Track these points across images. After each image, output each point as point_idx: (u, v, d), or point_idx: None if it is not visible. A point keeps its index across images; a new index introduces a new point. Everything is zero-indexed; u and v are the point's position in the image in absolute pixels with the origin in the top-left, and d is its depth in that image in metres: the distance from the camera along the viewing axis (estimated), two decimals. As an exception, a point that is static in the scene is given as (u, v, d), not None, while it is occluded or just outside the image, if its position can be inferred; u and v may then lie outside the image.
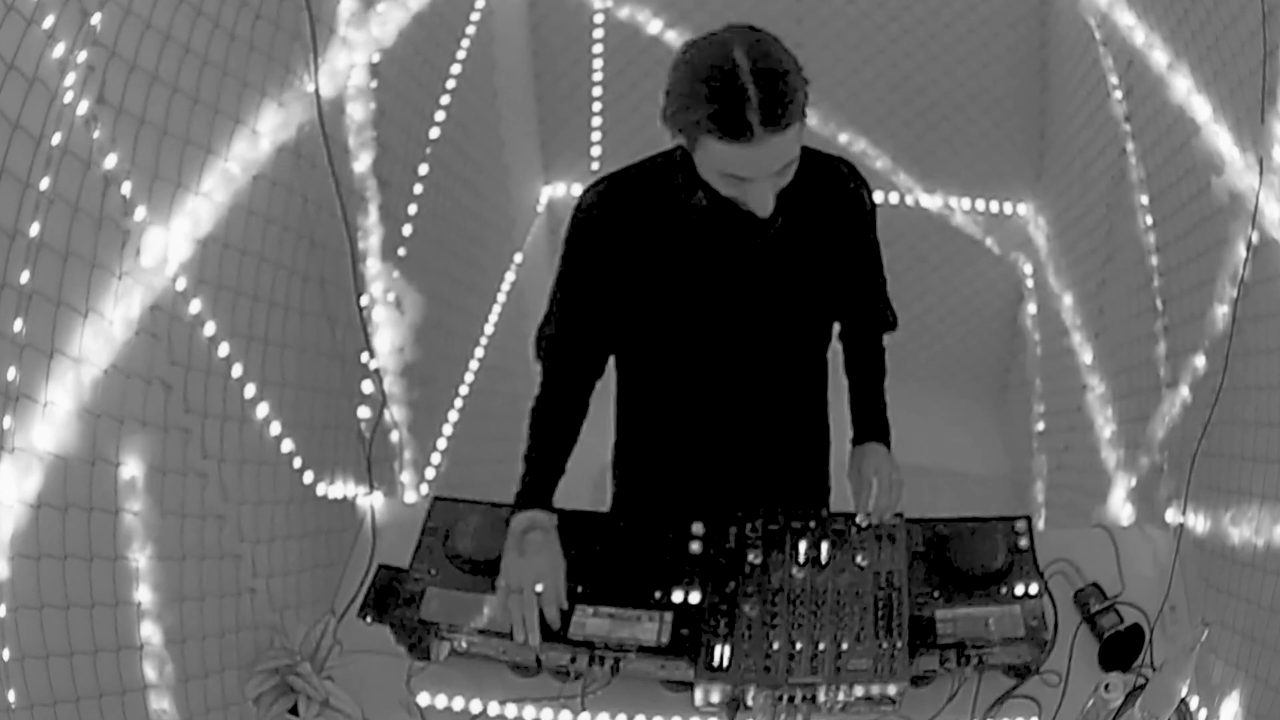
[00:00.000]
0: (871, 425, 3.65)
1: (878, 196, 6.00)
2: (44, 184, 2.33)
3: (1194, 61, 3.76)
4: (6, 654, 2.22)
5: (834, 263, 3.43)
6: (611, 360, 3.78)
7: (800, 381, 3.69)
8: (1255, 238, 3.26)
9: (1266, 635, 3.07)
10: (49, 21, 2.29)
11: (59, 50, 2.35)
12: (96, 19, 2.49)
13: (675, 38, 6.14)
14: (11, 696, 2.22)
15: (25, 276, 2.29)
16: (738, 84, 2.73)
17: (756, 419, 3.61)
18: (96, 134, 2.55)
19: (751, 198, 2.99)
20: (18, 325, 2.27)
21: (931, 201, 6.60)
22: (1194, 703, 3.45)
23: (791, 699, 3.39)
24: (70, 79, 2.41)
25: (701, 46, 2.87)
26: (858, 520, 3.59)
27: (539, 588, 3.35)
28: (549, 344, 3.58)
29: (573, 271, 3.45)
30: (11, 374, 2.25)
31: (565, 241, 3.47)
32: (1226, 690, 3.33)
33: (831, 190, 3.34)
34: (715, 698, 3.42)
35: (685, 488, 3.74)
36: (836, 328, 3.82)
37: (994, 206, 6.70)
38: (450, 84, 5.10)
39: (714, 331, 3.49)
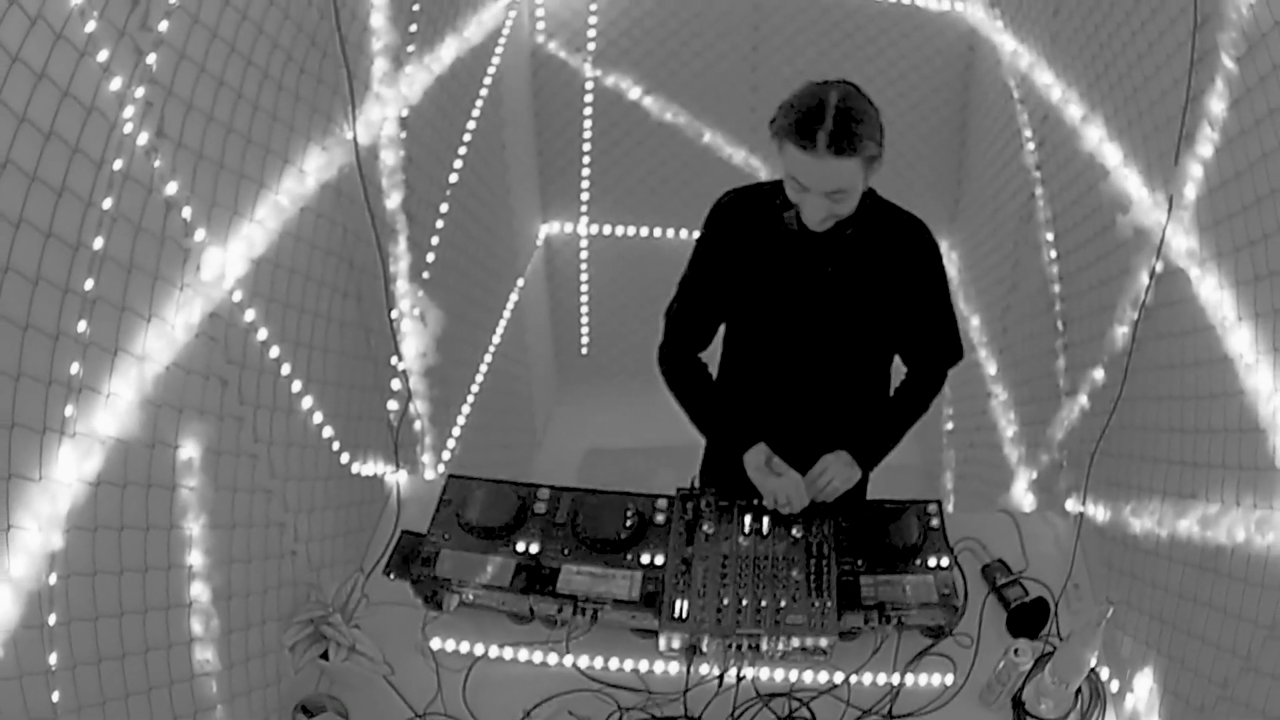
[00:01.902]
0: (860, 437, 3.48)
1: None
2: (106, 204, 2.17)
3: (1109, 114, 3.62)
4: (53, 619, 2.02)
5: (891, 302, 3.30)
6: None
7: (853, 386, 3.54)
8: (1160, 267, 3.14)
9: (1177, 618, 2.91)
10: (103, 55, 2.11)
11: (116, 84, 2.17)
12: (152, 59, 2.30)
13: (651, 103, 6.08)
14: (53, 659, 2.01)
15: (89, 284, 2.12)
16: (821, 110, 2.80)
17: (811, 409, 3.49)
18: (157, 163, 2.38)
19: (806, 207, 2.97)
20: (81, 326, 2.09)
21: None
22: (1105, 673, 3.29)
23: (739, 646, 3.23)
24: (129, 112, 2.23)
25: (814, 83, 2.94)
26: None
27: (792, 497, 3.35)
28: (666, 340, 3.53)
29: (698, 257, 3.40)
30: (74, 369, 2.07)
31: (700, 235, 3.41)
32: (1139, 666, 3.13)
33: (901, 240, 3.25)
34: (676, 644, 3.25)
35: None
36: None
37: None
38: (466, 137, 4.97)
39: (783, 331, 3.42)
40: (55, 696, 2.00)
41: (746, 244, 3.26)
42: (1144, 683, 3.04)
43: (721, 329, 3.64)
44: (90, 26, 2.03)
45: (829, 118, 2.77)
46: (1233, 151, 2.59)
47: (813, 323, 3.33)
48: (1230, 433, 2.58)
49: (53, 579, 2.00)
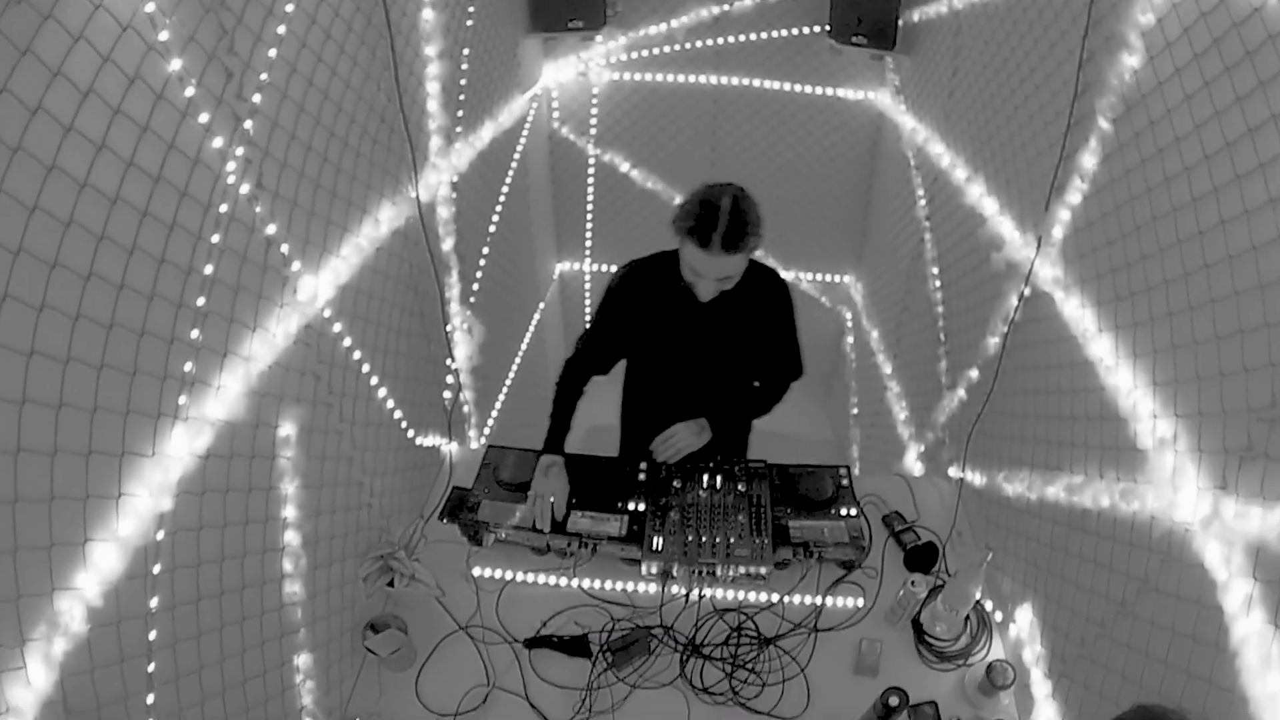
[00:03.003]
0: (716, 411, 3.26)
1: None
2: (215, 238, 1.99)
3: (989, 173, 3.39)
4: (157, 568, 1.81)
5: (752, 337, 3.10)
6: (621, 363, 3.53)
7: (721, 395, 3.29)
8: (1028, 291, 2.94)
9: (1050, 565, 2.70)
10: (204, 117, 1.90)
11: (218, 142, 1.97)
12: (249, 124, 2.10)
13: (636, 174, 5.89)
14: (154, 603, 1.80)
15: (201, 301, 1.95)
16: (715, 214, 2.61)
17: (690, 412, 3.24)
18: (258, 209, 2.19)
19: (699, 287, 2.82)
20: (194, 334, 1.92)
21: (788, 275, 6.06)
22: (989, 605, 3.07)
23: (700, 572, 3.05)
24: (231, 166, 2.03)
25: (710, 186, 2.71)
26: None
27: (553, 498, 3.15)
28: (573, 359, 3.27)
29: (603, 311, 3.16)
30: (188, 367, 1.90)
31: (601, 299, 3.19)
32: (1018, 602, 2.93)
33: (761, 290, 3.01)
34: (654, 570, 3.08)
35: (648, 442, 3.31)
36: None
37: (828, 278, 6.30)
38: (501, 197, 4.74)
39: (675, 363, 3.23)
40: (152, 635, 1.78)
41: (642, 305, 3.07)
42: (1025, 616, 2.83)
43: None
44: (190, 91, 1.82)
45: (722, 222, 2.59)
46: (1100, 198, 2.39)
47: (694, 358, 3.16)
48: (1093, 420, 2.38)
49: (160, 535, 1.80)
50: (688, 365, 3.17)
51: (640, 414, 3.53)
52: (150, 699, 1.77)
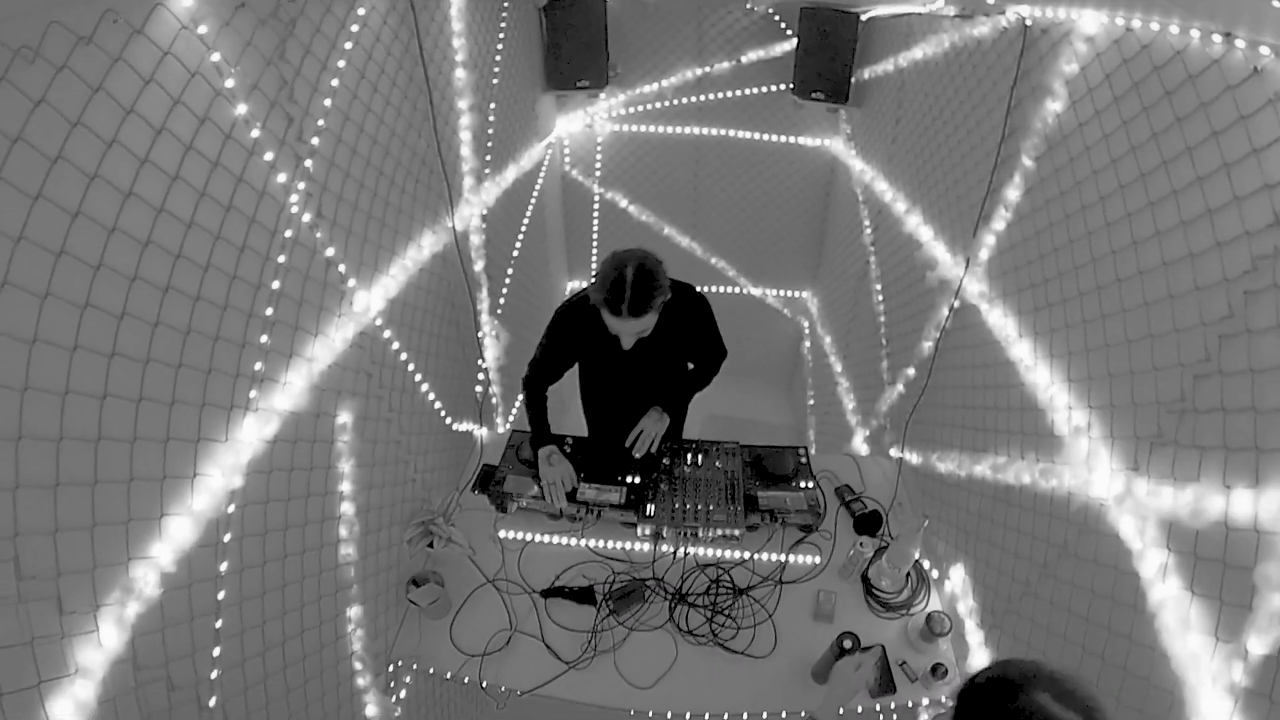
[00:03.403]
0: (667, 399, 3.10)
1: (727, 290, 6.08)
2: (281, 259, 1.90)
3: (926, 206, 3.27)
4: (228, 537, 1.72)
5: (684, 341, 2.86)
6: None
7: (669, 385, 3.10)
8: (957, 304, 2.83)
9: (979, 532, 2.59)
10: (269, 156, 1.80)
11: (281, 178, 1.87)
12: (309, 163, 2.00)
13: (633, 209, 5.75)
14: (223, 567, 1.70)
15: (270, 311, 1.86)
16: (622, 285, 2.39)
17: (636, 402, 3.09)
18: (318, 235, 2.09)
19: (621, 339, 2.65)
20: (264, 339, 1.84)
21: (756, 290, 6.04)
22: (927, 564, 2.95)
23: (685, 534, 2.94)
24: (294, 199, 1.93)
25: (617, 255, 2.46)
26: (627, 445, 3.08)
27: (561, 480, 3.00)
28: (529, 376, 2.97)
29: (549, 342, 2.89)
30: (258, 366, 1.82)
31: (549, 326, 2.92)
32: (952, 562, 2.82)
33: (683, 307, 2.73)
34: (648, 531, 2.97)
35: (611, 430, 3.19)
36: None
37: (789, 293, 6.13)
38: (523, 227, 4.61)
39: (616, 373, 3.02)
40: (220, 595, 1.68)
41: (580, 337, 2.87)
42: (958, 574, 2.73)
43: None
44: (255, 133, 1.71)
45: (628, 293, 2.38)
46: (1022, 225, 2.29)
47: (632, 370, 2.96)
48: (1014, 410, 2.28)
49: (230, 509, 1.70)
50: (628, 374, 3.03)
51: (597, 404, 3.38)
52: (216, 651, 1.67)
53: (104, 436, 1.30)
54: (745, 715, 2.46)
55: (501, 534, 3.06)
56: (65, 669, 1.24)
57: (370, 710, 2.51)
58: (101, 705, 1.30)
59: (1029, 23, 2.30)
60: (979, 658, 2.47)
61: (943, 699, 2.47)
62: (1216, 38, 1.43)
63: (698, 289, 2.82)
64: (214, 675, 1.66)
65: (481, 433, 3.71)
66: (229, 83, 1.57)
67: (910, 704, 2.48)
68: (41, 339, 1.18)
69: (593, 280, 2.52)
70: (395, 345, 2.68)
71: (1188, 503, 1.40)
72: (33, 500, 1.17)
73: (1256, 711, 1.26)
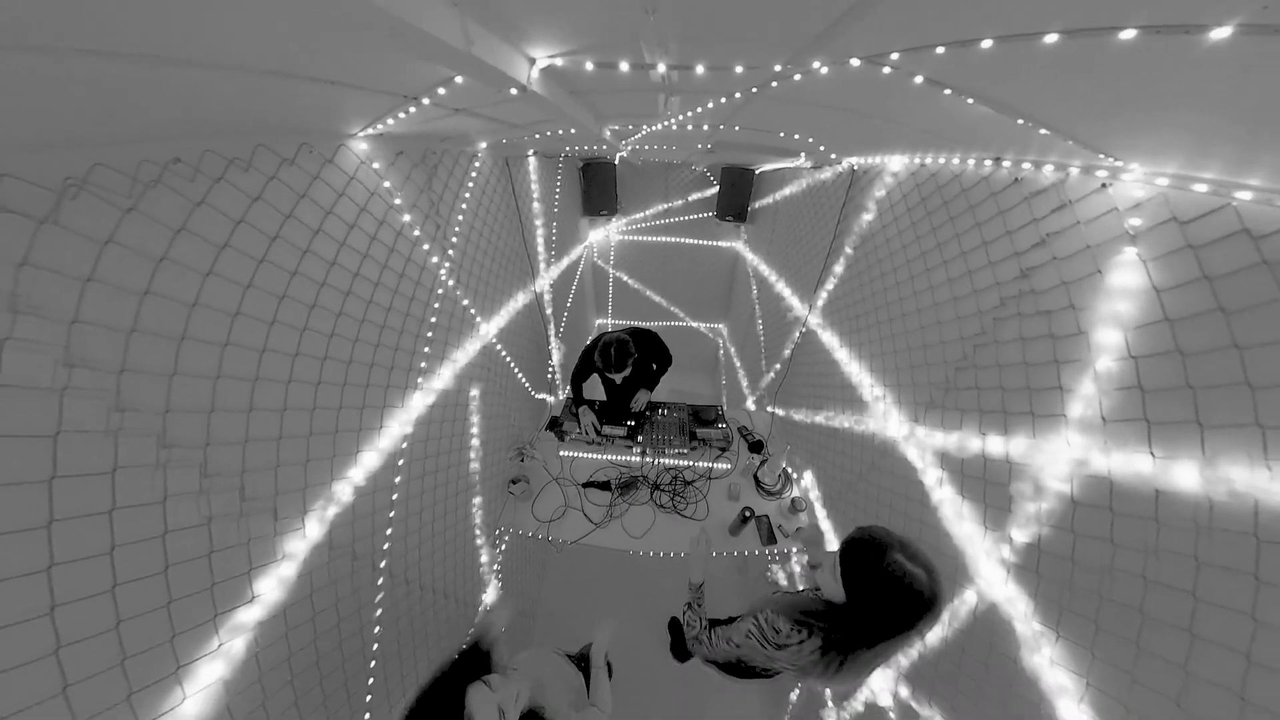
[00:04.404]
0: (645, 385, 2.77)
1: (679, 323, 5.58)
2: (435, 304, 1.67)
3: (788, 275, 3.05)
4: (401, 462, 1.49)
5: (648, 360, 2.57)
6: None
7: (645, 378, 2.76)
8: (805, 329, 2.61)
9: (820, 453, 2.38)
10: (426, 246, 1.59)
11: (434, 259, 1.66)
12: (451, 251, 1.78)
13: (632, 282, 5.42)
14: (397, 480, 1.48)
15: (430, 334, 1.66)
16: (610, 357, 2.16)
17: (631, 389, 2.75)
18: (457, 292, 1.85)
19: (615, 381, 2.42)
20: (425, 349, 1.61)
21: (694, 323, 5.64)
22: (791, 471, 2.73)
23: (659, 451, 2.68)
24: (443, 272, 1.71)
25: (605, 336, 2.23)
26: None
27: (594, 424, 2.69)
28: (573, 378, 2.62)
29: (579, 366, 2.57)
30: (423, 364, 1.60)
31: (580, 357, 2.59)
32: (804, 469, 2.61)
33: (646, 344, 2.49)
34: (639, 450, 2.70)
35: (616, 400, 2.83)
36: None
37: (711, 324, 5.77)
38: (571, 290, 4.32)
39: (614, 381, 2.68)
40: (393, 496, 1.45)
41: (592, 365, 2.50)
42: (809, 476, 2.53)
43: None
44: (416, 232, 1.50)
45: (612, 360, 2.15)
46: (843, 286, 2.11)
47: (624, 382, 2.66)
48: (838, 387, 2.10)
49: (404, 445, 1.48)
50: (621, 380, 2.74)
51: (608, 389, 2.95)
52: (389, 531, 1.46)
53: (319, 406, 1.10)
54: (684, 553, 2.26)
55: (561, 453, 2.83)
56: (274, 557, 1.04)
57: (483, 557, 2.31)
58: (299, 577, 1.11)
59: (855, 168, 2.13)
60: (826, 527, 2.28)
61: (793, 550, 2.26)
62: (988, 162, 1.24)
63: (652, 326, 2.61)
64: (385, 547, 1.47)
65: (550, 399, 3.47)
66: (397, 200, 1.38)
67: (786, 551, 2.30)
68: (302, 353, 1.02)
69: (591, 347, 2.26)
70: (503, 352, 2.47)
71: (954, 441, 1.23)
72: (258, 449, 0.98)
73: (1028, 581, 1.09)
